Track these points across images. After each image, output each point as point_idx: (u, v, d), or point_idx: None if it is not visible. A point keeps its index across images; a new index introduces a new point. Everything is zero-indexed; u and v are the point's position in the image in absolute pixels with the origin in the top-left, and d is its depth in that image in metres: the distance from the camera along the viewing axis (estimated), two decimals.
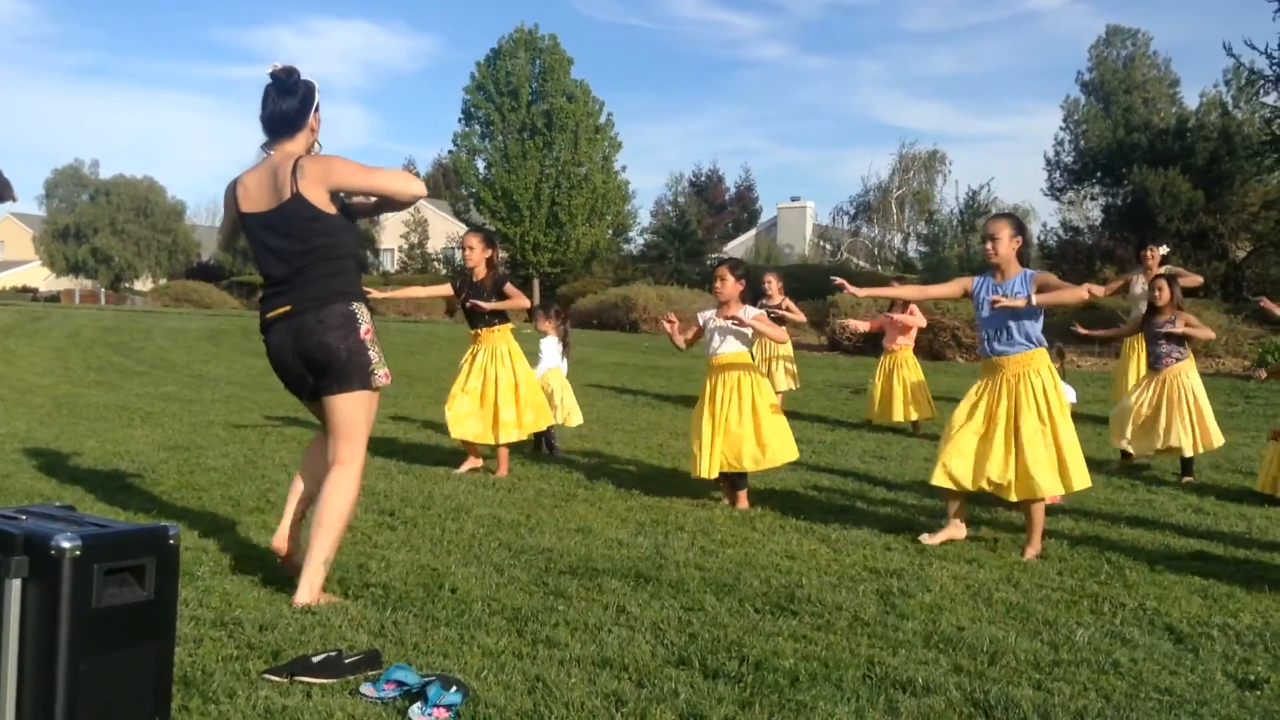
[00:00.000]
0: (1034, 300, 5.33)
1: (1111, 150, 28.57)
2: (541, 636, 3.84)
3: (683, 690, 3.33)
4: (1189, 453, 7.71)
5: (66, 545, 2.46)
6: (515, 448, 7.91)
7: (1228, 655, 3.87)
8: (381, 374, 4.24)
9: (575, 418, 8.84)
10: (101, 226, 54.06)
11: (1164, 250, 9.41)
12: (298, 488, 4.53)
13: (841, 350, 21.08)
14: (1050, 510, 5.86)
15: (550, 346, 8.92)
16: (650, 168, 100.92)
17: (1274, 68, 20.17)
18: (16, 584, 2.49)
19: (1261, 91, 22.87)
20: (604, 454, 8.42)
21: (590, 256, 38.93)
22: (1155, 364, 7.94)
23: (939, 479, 5.53)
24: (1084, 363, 18.09)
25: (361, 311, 4.22)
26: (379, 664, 3.46)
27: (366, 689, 3.26)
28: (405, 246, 52.32)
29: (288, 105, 4.18)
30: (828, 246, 44.02)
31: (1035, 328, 5.46)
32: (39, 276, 60.14)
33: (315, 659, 3.41)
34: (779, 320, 10.96)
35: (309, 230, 4.11)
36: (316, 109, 4.26)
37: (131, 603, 2.59)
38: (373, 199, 4.39)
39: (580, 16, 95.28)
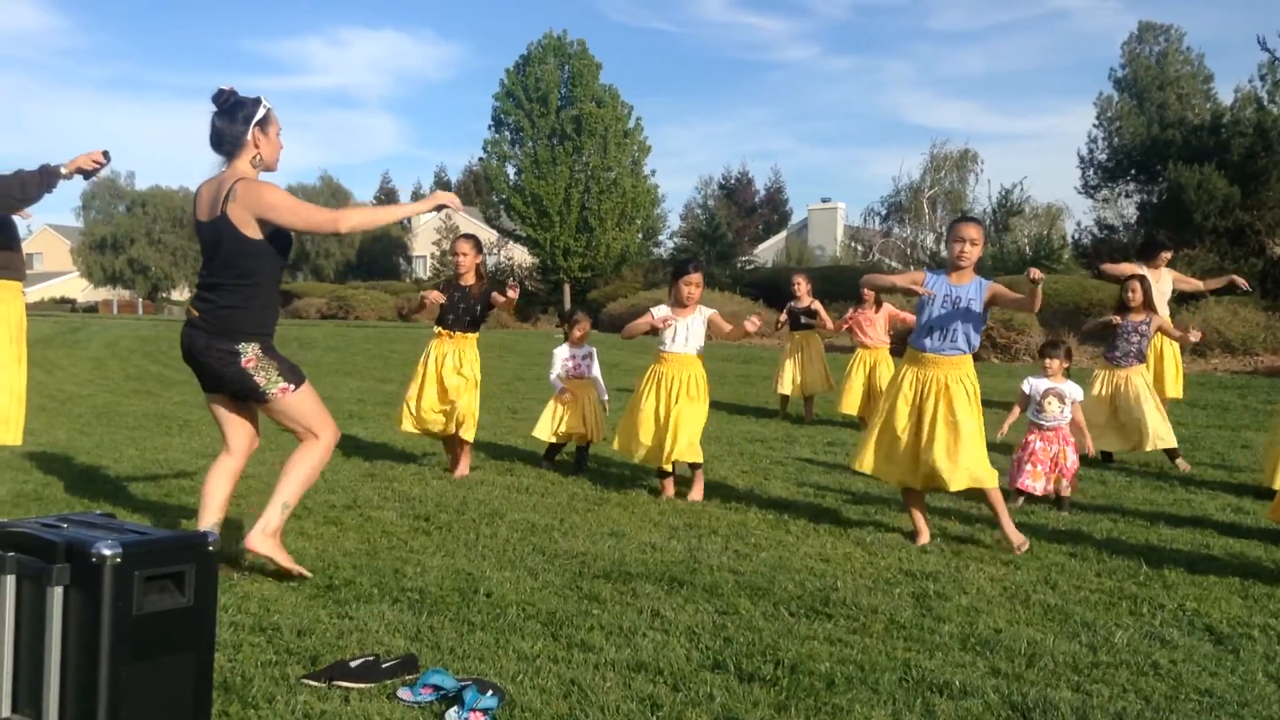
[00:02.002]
0: (1037, 303, 5.46)
1: (1146, 147, 28.29)
2: (576, 640, 3.85)
3: (718, 694, 3.33)
4: (1173, 443, 7.95)
5: (107, 553, 2.49)
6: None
7: (1269, 656, 3.83)
8: (276, 391, 4.46)
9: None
10: (138, 237, 54.73)
11: (1170, 254, 9.57)
12: (207, 507, 4.73)
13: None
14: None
15: (556, 355, 8.25)
16: (679, 171, 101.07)
17: None
18: (59, 591, 2.53)
19: None
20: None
21: (620, 261, 38.94)
22: (1121, 360, 8.08)
23: (863, 466, 5.73)
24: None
25: (246, 349, 4.42)
26: (416, 668, 3.48)
27: (403, 693, 3.28)
28: (437, 253, 52.58)
29: (223, 125, 4.41)
30: (859, 247, 43.80)
31: (976, 335, 5.57)
32: (77, 287, 60.91)
33: (353, 663, 3.44)
34: (812, 315, 10.97)
35: (232, 251, 4.36)
36: (260, 124, 4.41)
37: (171, 609, 2.62)
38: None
39: (607, 21, 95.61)
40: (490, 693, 3.18)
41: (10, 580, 2.61)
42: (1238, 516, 6.34)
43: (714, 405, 12.44)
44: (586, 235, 37.83)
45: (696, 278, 6.92)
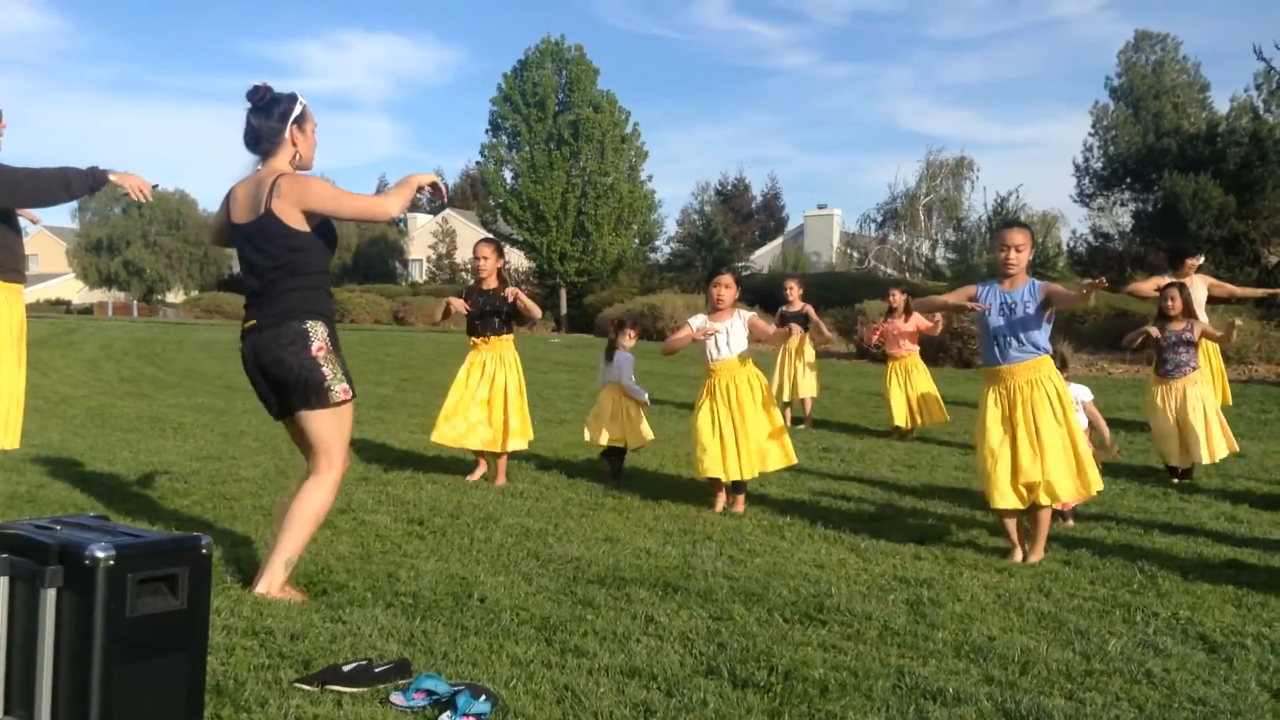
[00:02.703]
0: (1092, 301, 5.38)
1: (1141, 156, 28.34)
2: (570, 645, 3.85)
3: (711, 700, 3.33)
4: (1212, 459, 7.86)
5: (100, 555, 2.48)
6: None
7: (1262, 665, 3.83)
8: (339, 390, 4.28)
9: (648, 432, 8.12)
10: (134, 239, 54.63)
11: (1200, 259, 9.46)
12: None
13: (869, 358, 21.00)
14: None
15: (628, 361, 8.13)
16: (676, 176, 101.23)
17: None
18: (52, 593, 2.52)
19: None
20: (630, 462, 8.42)
21: (617, 266, 38.96)
22: (1174, 372, 7.98)
23: (1006, 502, 5.41)
24: (1115, 370, 17.95)
25: (315, 329, 4.26)
26: (409, 673, 3.47)
27: (396, 698, 3.27)
28: (434, 257, 52.60)
29: (260, 123, 4.28)
30: (855, 254, 43.86)
31: (1043, 336, 5.48)
32: (72, 289, 60.81)
33: (346, 668, 3.43)
34: (804, 319, 10.96)
35: (279, 247, 4.22)
36: (298, 122, 4.31)
37: (164, 612, 2.62)
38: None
39: (606, 27, 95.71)
40: (483, 698, 3.17)
41: (3, 582, 2.60)
42: (1232, 525, 6.35)
43: None
44: (583, 240, 37.84)
45: (726, 278, 6.79)
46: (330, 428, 4.31)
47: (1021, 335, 5.43)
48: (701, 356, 6.84)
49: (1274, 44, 33.78)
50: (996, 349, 5.50)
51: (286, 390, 4.28)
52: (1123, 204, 31.06)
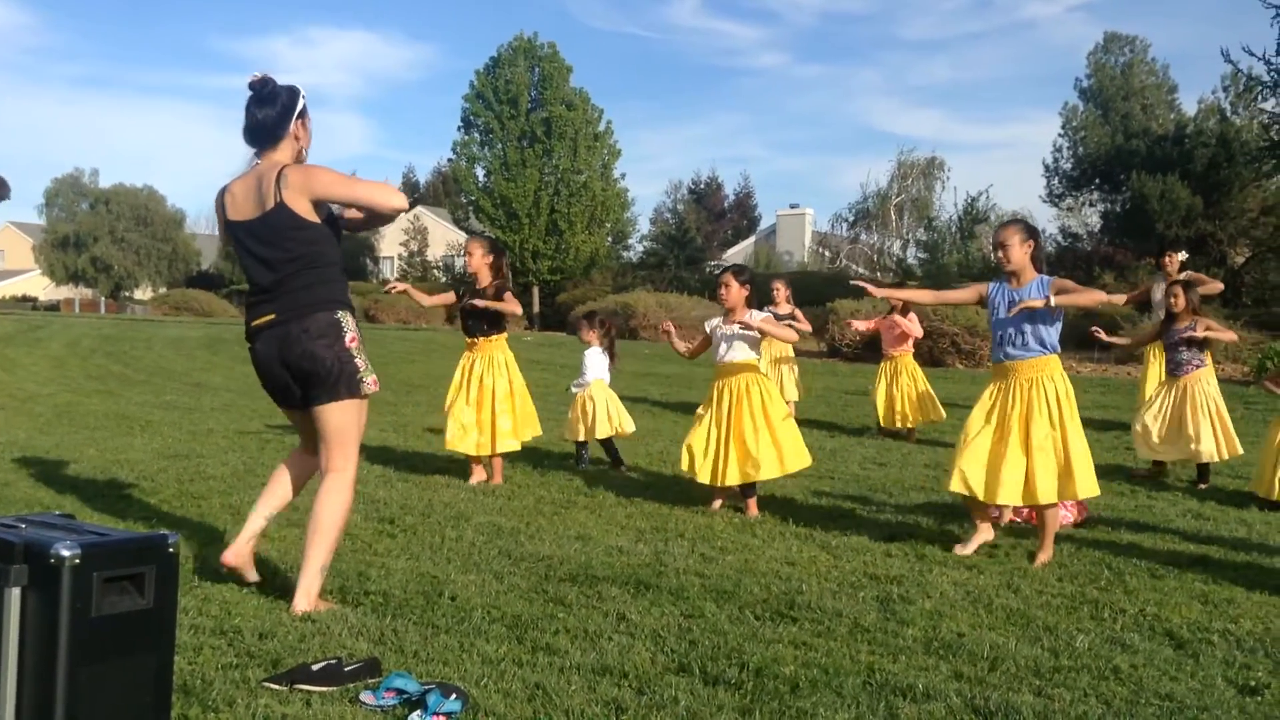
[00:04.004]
0: (1053, 301, 5.31)
1: (1110, 157, 28.59)
2: (541, 644, 3.84)
3: (683, 697, 3.33)
4: (1214, 459, 7.73)
5: (66, 554, 2.45)
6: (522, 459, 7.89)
7: (1228, 661, 3.87)
8: (370, 380, 4.22)
9: (628, 425, 8.39)
10: (101, 235, 54.11)
11: (1183, 256, 9.47)
12: (267, 501, 4.48)
13: (841, 357, 21.09)
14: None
15: (595, 357, 8.48)
16: (649, 175, 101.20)
17: (1272, 74, 20.22)
18: (16, 593, 2.49)
19: (1259, 98, 22.92)
20: (603, 461, 8.42)
21: (590, 264, 38.95)
22: (1175, 371, 7.92)
23: (956, 485, 5.49)
24: (1083, 369, 18.10)
25: (347, 319, 4.20)
26: (379, 672, 3.45)
27: (366, 697, 3.26)
28: (405, 254, 52.34)
29: (265, 115, 4.16)
30: (827, 253, 44.01)
31: (1051, 333, 5.44)
32: (39, 285, 60.20)
33: (315, 667, 3.41)
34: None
35: (293, 239, 4.11)
36: (300, 116, 4.21)
37: (131, 611, 2.59)
38: (361, 214, 4.39)
39: (579, 25, 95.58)
40: (454, 696, 3.16)
41: None
42: (1199, 523, 6.41)
43: (681, 408, 12.49)
44: (556, 238, 37.80)
45: (724, 277, 6.60)
46: (352, 420, 4.23)
47: (1026, 332, 5.41)
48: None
49: (1242, 47, 34.13)
50: (1000, 345, 5.52)
51: (315, 382, 4.16)
52: (1091, 204, 31.33)
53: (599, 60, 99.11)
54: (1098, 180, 29.77)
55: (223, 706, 3.17)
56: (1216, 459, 7.74)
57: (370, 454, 8.57)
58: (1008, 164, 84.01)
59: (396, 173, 70.18)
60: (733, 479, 6.39)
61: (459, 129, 38.92)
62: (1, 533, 2.59)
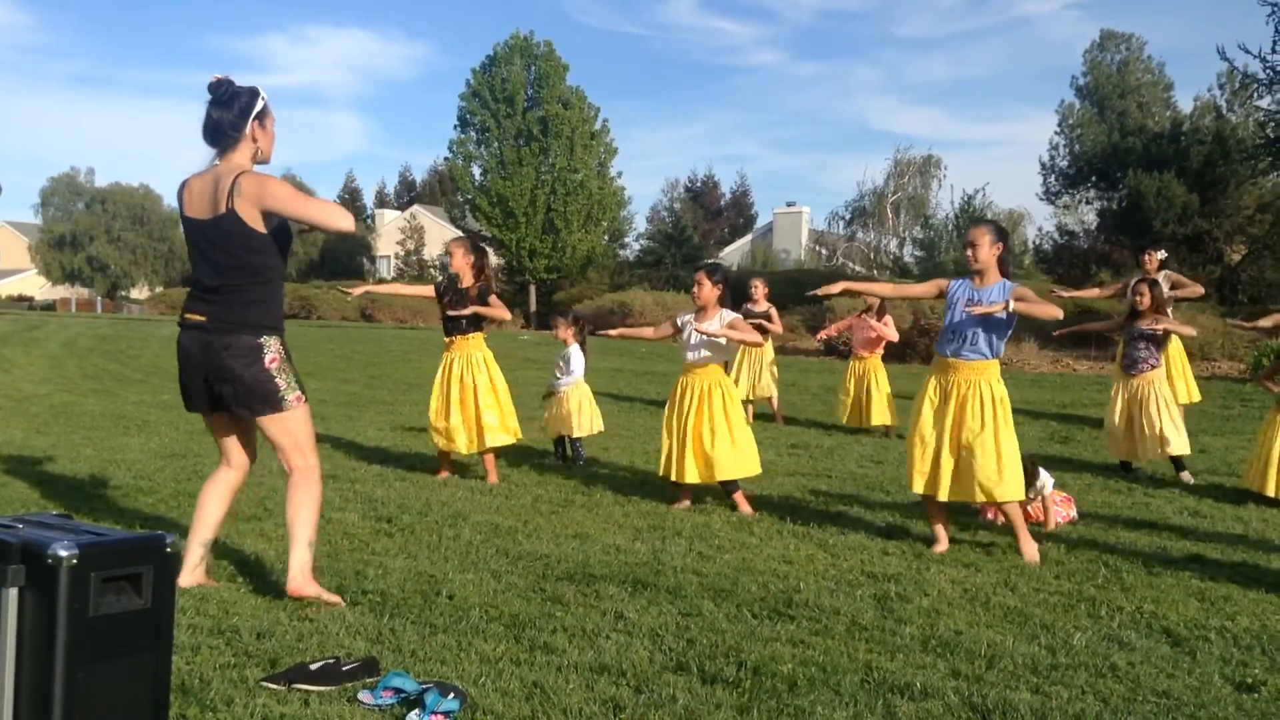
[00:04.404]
0: (1011, 307, 5.34)
1: (1106, 154, 28.58)
2: (539, 643, 3.84)
3: (681, 696, 3.33)
4: (1186, 451, 7.80)
5: (63, 554, 2.45)
6: (507, 454, 7.89)
7: (1225, 658, 3.88)
8: (292, 399, 4.27)
9: (597, 424, 8.59)
10: (98, 235, 54.08)
11: (1162, 254, 9.48)
12: (199, 530, 4.49)
13: (837, 355, 21.08)
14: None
15: (578, 355, 8.64)
16: (646, 174, 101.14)
17: (1267, 71, 20.19)
18: (13, 593, 2.49)
19: (1255, 95, 22.91)
20: (601, 460, 8.42)
21: (586, 262, 38.94)
22: (1130, 369, 8.01)
23: (918, 487, 5.60)
24: (1080, 366, 18.11)
25: (270, 343, 4.24)
26: (377, 671, 3.46)
27: (364, 696, 3.26)
28: (401, 253, 52.33)
29: (220, 116, 4.18)
30: (823, 251, 44.00)
31: (1000, 341, 5.51)
32: (35, 285, 60.15)
33: (313, 666, 3.41)
34: (758, 329, 10.92)
35: (240, 248, 4.15)
36: (259, 117, 4.23)
37: (129, 611, 2.59)
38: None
39: (575, 24, 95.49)
40: (452, 695, 3.16)
41: None
42: (1195, 520, 6.42)
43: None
44: (552, 236, 37.79)
45: (698, 275, 6.65)
46: (295, 425, 4.30)
47: (977, 334, 5.46)
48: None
49: (1238, 44, 34.19)
50: (948, 342, 5.56)
51: (236, 395, 4.23)
52: (1088, 202, 31.32)
53: (595, 59, 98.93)
54: (1094, 178, 29.76)
55: (221, 706, 3.16)
56: (1188, 451, 7.85)
57: (367, 453, 8.56)
58: (1004, 162, 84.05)
59: (393, 171, 70.28)
60: (691, 478, 6.48)
61: (455, 127, 38.94)
62: None
